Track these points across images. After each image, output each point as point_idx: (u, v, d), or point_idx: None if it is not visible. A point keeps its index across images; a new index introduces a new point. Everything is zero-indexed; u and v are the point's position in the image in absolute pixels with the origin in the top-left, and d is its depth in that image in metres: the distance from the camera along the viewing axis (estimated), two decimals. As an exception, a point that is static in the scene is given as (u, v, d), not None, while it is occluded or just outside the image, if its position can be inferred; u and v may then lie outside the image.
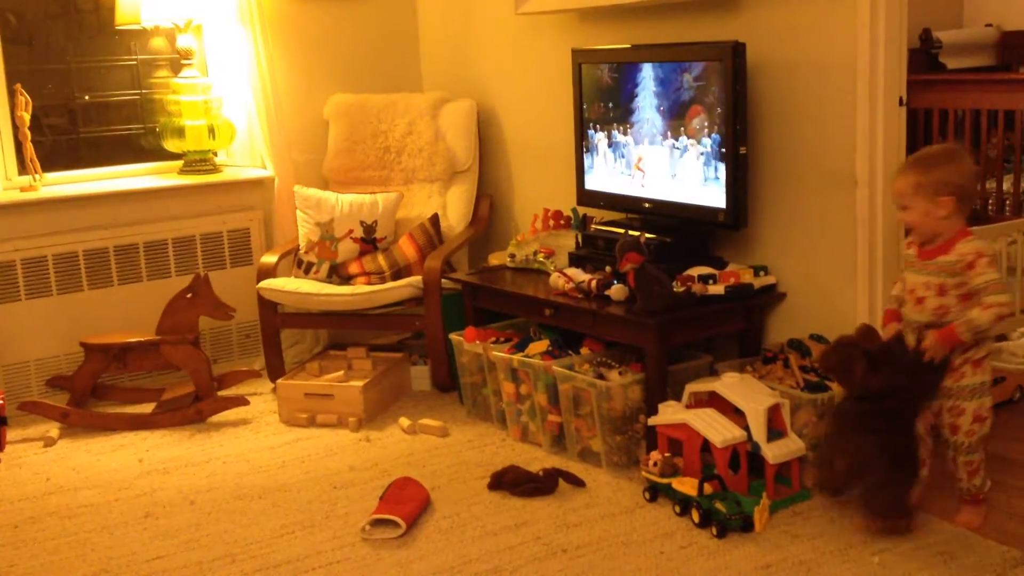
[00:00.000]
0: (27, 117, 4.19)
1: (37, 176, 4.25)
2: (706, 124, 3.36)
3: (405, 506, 3.00)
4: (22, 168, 4.30)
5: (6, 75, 4.28)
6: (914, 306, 2.74)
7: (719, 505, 2.83)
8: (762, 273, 3.43)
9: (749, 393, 3.04)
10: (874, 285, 3.16)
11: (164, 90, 4.61)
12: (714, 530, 2.83)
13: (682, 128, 3.47)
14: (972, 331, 2.63)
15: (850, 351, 2.72)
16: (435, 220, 4.36)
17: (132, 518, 3.15)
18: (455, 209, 4.51)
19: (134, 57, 4.64)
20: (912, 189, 2.68)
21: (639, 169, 3.69)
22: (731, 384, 3.08)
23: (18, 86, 4.19)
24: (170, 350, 3.95)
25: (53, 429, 3.87)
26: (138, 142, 4.69)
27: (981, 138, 4.78)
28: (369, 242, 4.28)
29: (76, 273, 4.23)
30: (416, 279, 4.04)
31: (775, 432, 2.99)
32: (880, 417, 2.70)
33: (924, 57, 5.24)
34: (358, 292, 4.06)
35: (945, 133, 4.85)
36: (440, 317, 3.98)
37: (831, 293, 3.28)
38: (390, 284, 4.09)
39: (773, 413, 3.00)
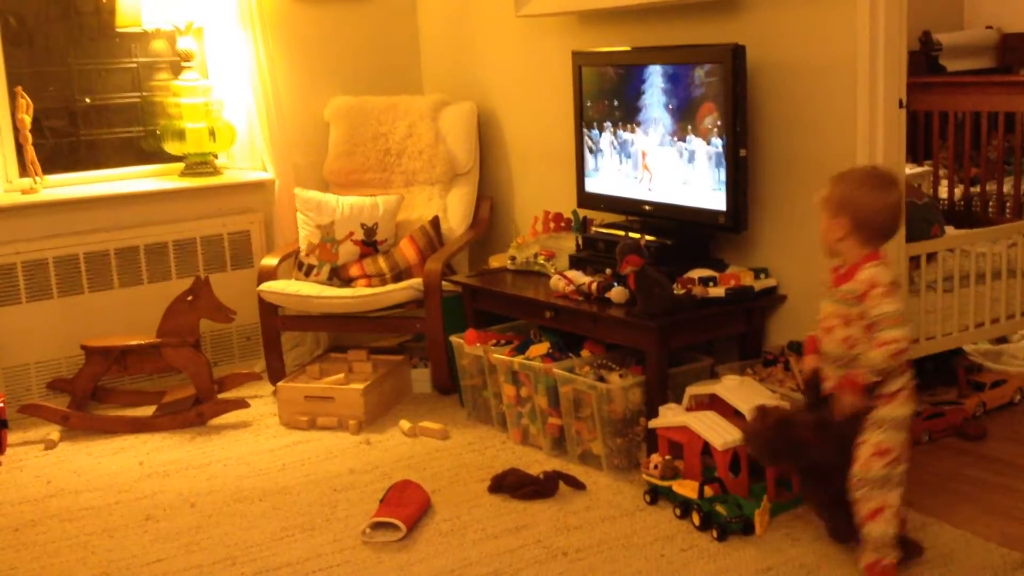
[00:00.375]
0: (28, 120, 4.19)
1: (38, 178, 4.26)
2: (718, 123, 3.33)
3: (405, 509, 3.00)
4: (23, 170, 4.30)
5: (7, 78, 4.29)
6: (824, 336, 2.57)
7: (720, 508, 2.83)
8: (763, 275, 3.43)
9: (750, 396, 3.03)
10: (874, 287, 3.15)
11: (165, 93, 4.61)
12: (715, 533, 2.83)
13: (690, 127, 3.47)
14: (874, 372, 2.45)
15: (782, 436, 2.59)
16: (435, 222, 4.36)
17: (133, 521, 3.15)
18: (455, 211, 4.51)
19: (135, 60, 4.64)
20: (822, 201, 2.56)
21: (646, 169, 3.69)
22: (732, 387, 3.08)
23: (19, 89, 4.20)
24: (171, 353, 3.95)
25: (54, 432, 3.86)
26: (139, 145, 4.69)
27: (981, 140, 4.78)
28: (370, 244, 4.28)
29: (77, 276, 4.24)
30: (417, 281, 4.04)
31: (776, 435, 2.99)
32: (823, 482, 2.63)
33: (924, 59, 5.25)
34: (359, 294, 4.06)
35: (945, 135, 4.85)
36: (440, 319, 3.98)
37: (831, 295, 3.28)
38: (391, 286, 4.09)
39: (774, 416, 2.99)
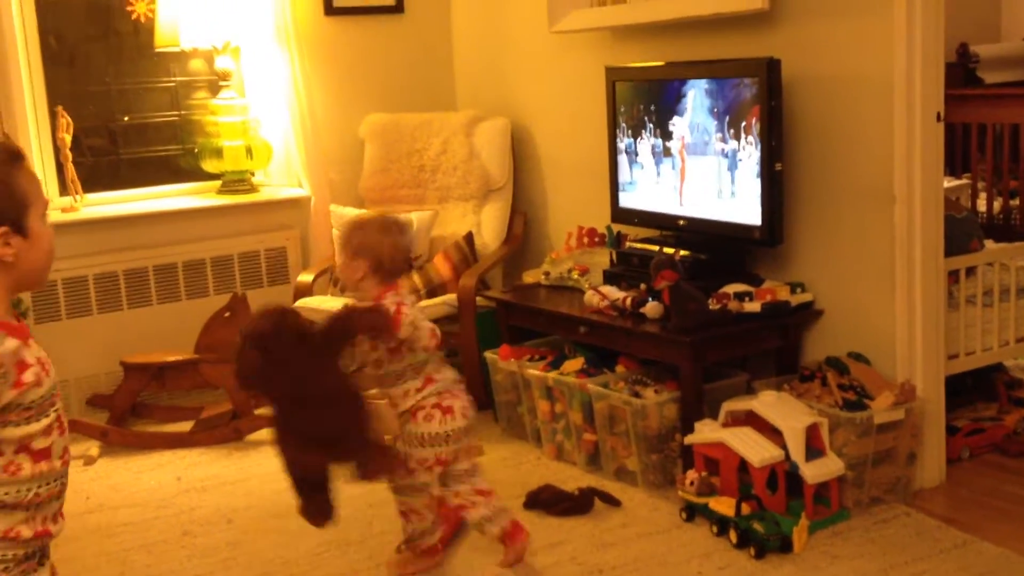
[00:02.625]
0: (68, 139, 4.26)
1: (78, 197, 4.32)
2: (753, 137, 3.29)
3: (441, 525, 3.00)
4: (63, 189, 4.37)
5: (48, 97, 4.37)
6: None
7: (757, 525, 2.81)
8: (799, 290, 3.40)
9: (787, 412, 3.01)
10: (912, 302, 3.13)
11: (203, 111, 4.67)
12: (752, 551, 2.80)
13: (724, 142, 3.46)
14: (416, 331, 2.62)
15: None
16: (469, 238, 4.37)
17: (171, 536, 3.17)
18: (489, 227, 4.52)
19: (173, 79, 4.71)
20: (342, 243, 2.73)
21: (681, 183, 3.68)
22: (768, 402, 3.06)
23: (59, 108, 4.27)
24: (208, 369, 3.99)
25: (93, 448, 3.90)
26: (177, 163, 4.75)
27: (1020, 152, 4.72)
28: (404, 260, 4.29)
29: (116, 292, 4.29)
30: (451, 297, 4.05)
31: (814, 451, 2.96)
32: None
33: (961, 71, 5.20)
34: (393, 310, 4.06)
35: (983, 148, 4.80)
36: (475, 335, 3.99)
37: (869, 310, 3.25)
38: (425, 302, 4.10)
39: (811, 432, 2.97)
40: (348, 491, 3.44)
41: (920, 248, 3.11)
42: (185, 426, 4.08)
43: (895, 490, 3.09)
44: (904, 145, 3.07)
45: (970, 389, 3.68)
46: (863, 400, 3.06)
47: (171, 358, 4.00)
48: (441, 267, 4.26)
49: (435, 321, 3.99)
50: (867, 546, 2.84)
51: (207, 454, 3.86)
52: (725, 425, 3.13)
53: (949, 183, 4.55)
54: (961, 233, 3.50)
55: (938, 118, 3.09)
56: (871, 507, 3.04)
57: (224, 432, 3.96)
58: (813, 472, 2.92)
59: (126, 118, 4.66)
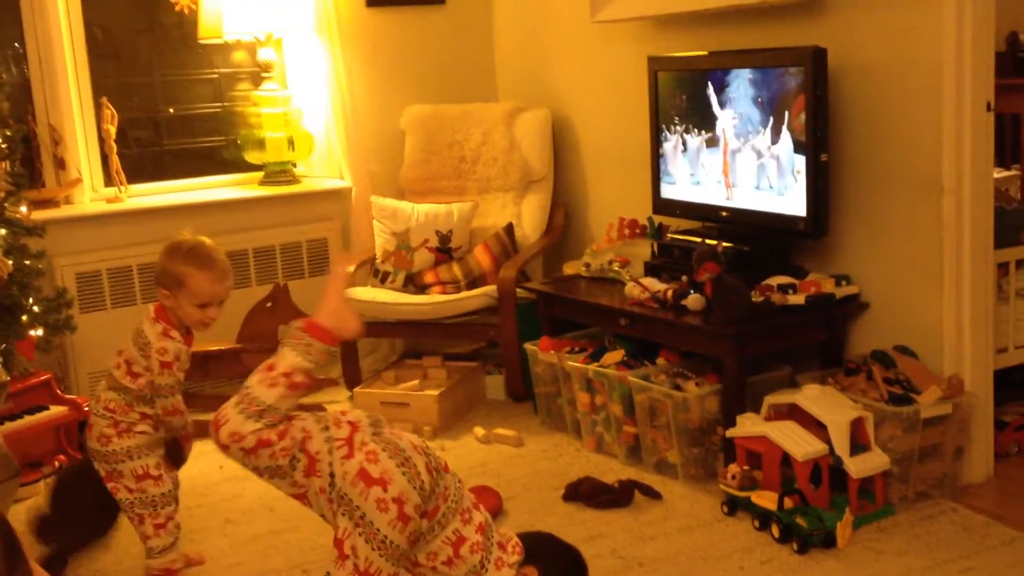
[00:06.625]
0: (113, 130, 4.30)
1: (123, 187, 4.37)
2: (798, 128, 3.24)
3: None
4: (108, 180, 4.43)
5: (93, 89, 4.41)
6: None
7: (800, 520, 2.78)
8: (844, 283, 3.35)
9: (831, 406, 2.97)
10: (961, 295, 3.07)
11: (245, 103, 4.70)
12: (795, 545, 2.77)
13: (769, 132, 3.41)
14: None
15: None
16: (510, 229, 4.36)
17: (212, 524, 3.20)
18: (530, 218, 4.50)
19: (216, 71, 4.74)
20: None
21: (725, 174, 3.64)
22: (812, 396, 3.02)
23: (104, 99, 4.31)
24: (251, 358, 4.00)
25: (137, 435, 3.94)
26: (220, 154, 4.78)
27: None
28: (444, 251, 4.30)
29: (160, 282, 4.32)
30: (491, 288, 4.05)
31: (858, 446, 2.92)
32: None
33: (1011, 60, 5.09)
34: (433, 301, 4.07)
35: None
36: (515, 326, 3.98)
37: (916, 303, 3.20)
38: (465, 293, 4.10)
39: (856, 426, 2.93)
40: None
41: (969, 240, 3.05)
42: (227, 415, 4.11)
43: (942, 485, 3.04)
44: (953, 135, 3.02)
45: (1019, 383, 3.61)
46: (909, 394, 3.01)
47: (214, 347, 4.03)
48: (481, 258, 4.25)
49: (475, 313, 4.07)
50: (913, 542, 2.80)
51: (249, 443, 3.88)
52: (768, 419, 3.10)
53: (998, 174, 4.46)
54: (1011, 225, 3.43)
55: (988, 108, 3.03)
56: (917, 503, 2.99)
57: (265, 421, 3.99)
58: (858, 467, 2.88)
59: (170, 110, 4.70)
